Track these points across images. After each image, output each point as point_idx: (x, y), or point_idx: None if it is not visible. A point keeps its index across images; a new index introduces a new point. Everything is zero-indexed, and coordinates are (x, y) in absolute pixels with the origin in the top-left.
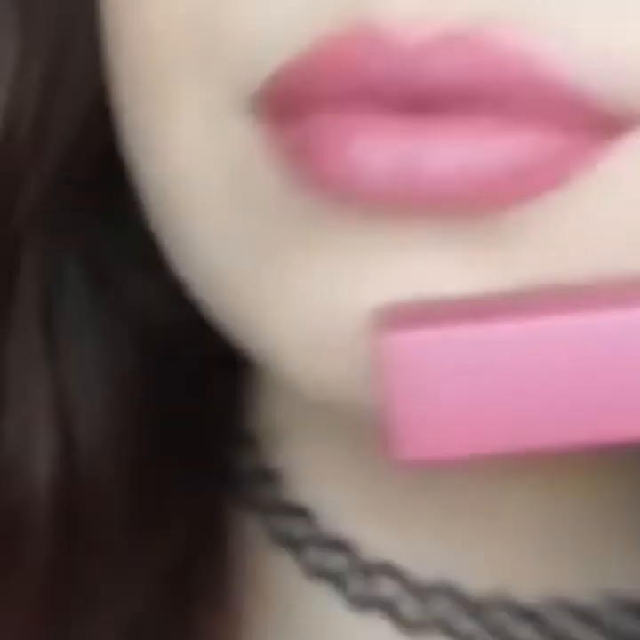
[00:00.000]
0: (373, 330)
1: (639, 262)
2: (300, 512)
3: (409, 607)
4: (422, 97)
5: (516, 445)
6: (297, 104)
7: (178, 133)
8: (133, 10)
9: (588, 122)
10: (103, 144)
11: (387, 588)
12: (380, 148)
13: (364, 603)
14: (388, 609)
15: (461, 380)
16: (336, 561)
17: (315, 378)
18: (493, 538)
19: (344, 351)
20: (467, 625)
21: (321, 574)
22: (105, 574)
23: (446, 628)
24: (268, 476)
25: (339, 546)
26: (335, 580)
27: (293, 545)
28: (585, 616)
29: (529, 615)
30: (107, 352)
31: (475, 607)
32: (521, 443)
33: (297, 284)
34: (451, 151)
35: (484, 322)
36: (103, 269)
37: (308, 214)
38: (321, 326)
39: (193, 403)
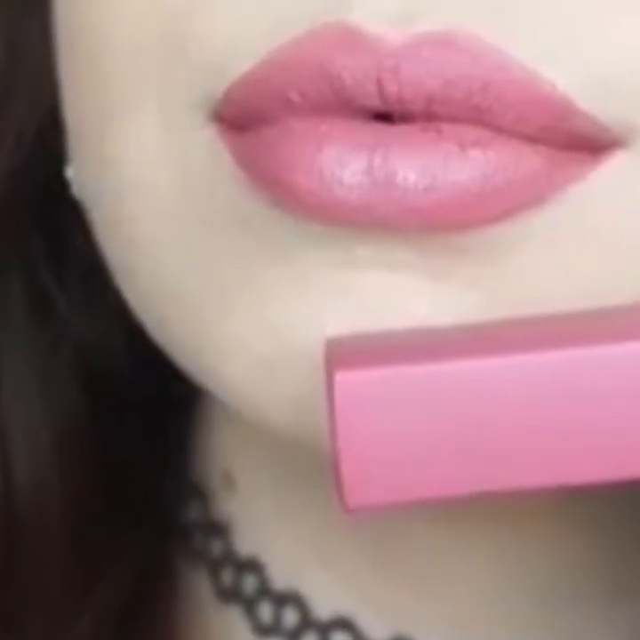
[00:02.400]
0: (324, 362)
1: (614, 287)
2: (251, 565)
3: None
4: (396, 103)
5: (472, 488)
6: (261, 112)
7: (134, 144)
8: (87, 17)
9: (572, 138)
10: (48, 170)
11: None
12: (349, 161)
13: None
14: None
15: (413, 420)
16: (288, 616)
17: (258, 402)
18: (446, 590)
19: (292, 379)
20: None
21: (271, 630)
22: (42, 618)
23: None
24: (217, 528)
25: (291, 600)
26: (287, 635)
27: (244, 600)
28: None
29: None
30: (49, 391)
31: None
32: (477, 485)
33: (252, 302)
34: (421, 164)
35: (439, 358)
36: (47, 306)
37: (269, 228)
38: (271, 350)
39: (138, 446)
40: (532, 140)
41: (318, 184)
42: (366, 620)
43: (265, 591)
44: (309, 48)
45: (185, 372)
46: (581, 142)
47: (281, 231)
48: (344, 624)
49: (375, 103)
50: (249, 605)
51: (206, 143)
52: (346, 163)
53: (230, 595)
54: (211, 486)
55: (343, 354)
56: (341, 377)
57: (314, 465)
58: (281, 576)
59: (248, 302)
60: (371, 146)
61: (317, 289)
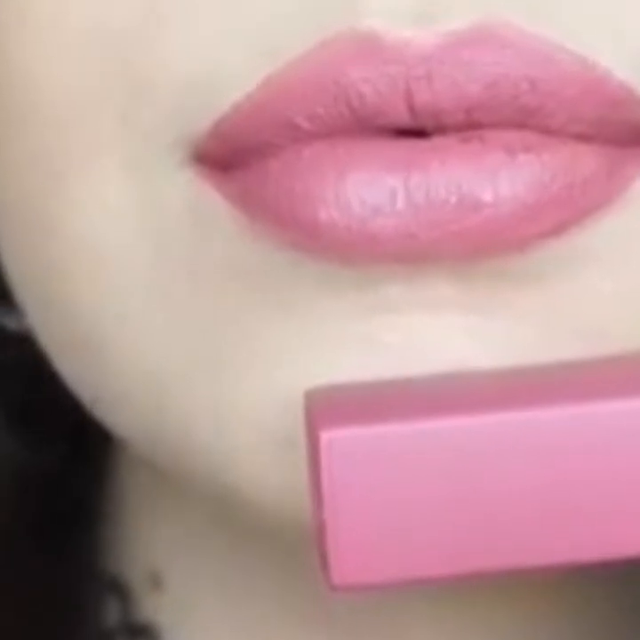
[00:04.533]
0: (304, 418)
1: None
2: None
3: None
4: (430, 116)
5: (477, 565)
6: (259, 145)
7: (88, 200)
8: (9, 62)
9: (630, 130)
10: None
11: None
12: (380, 184)
13: None
14: None
15: (409, 484)
16: None
17: (267, 482)
18: None
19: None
20: None
21: None
22: None
23: None
24: (142, 633)
25: None
26: None
27: None
28: None
29: None
30: None
31: None
32: (482, 562)
33: (260, 367)
34: (467, 179)
35: (438, 412)
36: None
37: (277, 277)
38: (286, 423)
39: (51, 541)
40: (585, 137)
41: (346, 217)
42: None
43: None
44: (318, 63)
45: (155, 456)
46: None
47: (291, 279)
48: None
49: (402, 120)
50: None
51: (185, 189)
52: (377, 187)
53: None
54: (133, 583)
55: (328, 408)
56: (328, 435)
57: (284, 550)
58: None
59: (255, 368)
60: (405, 164)
61: (337, 344)
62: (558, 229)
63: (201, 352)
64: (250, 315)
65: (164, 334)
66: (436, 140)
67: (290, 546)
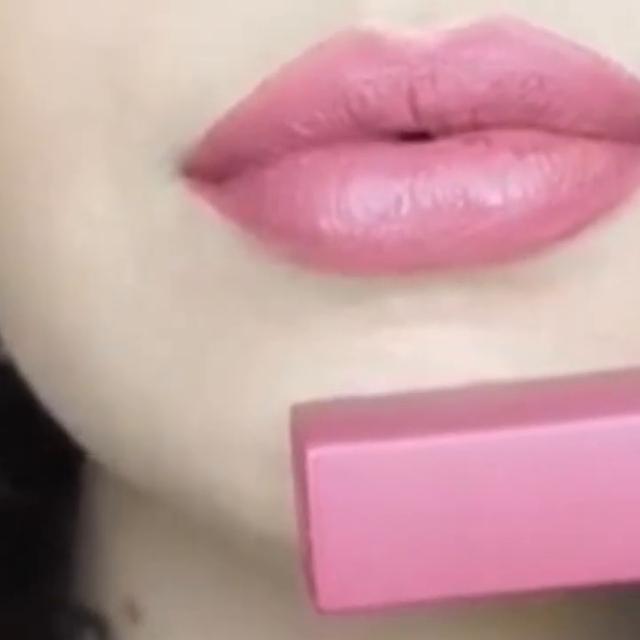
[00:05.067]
0: (290, 435)
1: None
2: None
3: None
4: (433, 118)
5: (469, 589)
6: (254, 153)
7: (72, 215)
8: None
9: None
10: None
11: None
12: (384, 191)
13: None
14: None
15: (400, 503)
16: None
17: (268, 507)
18: None
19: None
20: None
21: None
22: None
23: None
24: None
25: None
26: None
27: None
28: None
29: None
30: None
31: None
32: (475, 586)
33: (260, 386)
34: (473, 183)
35: (426, 431)
36: None
37: (276, 290)
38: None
39: (24, 575)
40: (594, 135)
41: (349, 225)
42: None
43: None
44: (315, 66)
45: (144, 481)
46: None
47: (291, 292)
48: None
49: (405, 122)
50: None
51: (176, 203)
52: (381, 194)
53: None
54: (110, 615)
55: (315, 424)
56: (316, 453)
57: (274, 578)
58: None
59: (255, 386)
60: (409, 169)
61: (342, 359)
62: (571, 231)
63: (197, 372)
64: (248, 331)
65: (155, 355)
66: (441, 143)
67: (281, 574)
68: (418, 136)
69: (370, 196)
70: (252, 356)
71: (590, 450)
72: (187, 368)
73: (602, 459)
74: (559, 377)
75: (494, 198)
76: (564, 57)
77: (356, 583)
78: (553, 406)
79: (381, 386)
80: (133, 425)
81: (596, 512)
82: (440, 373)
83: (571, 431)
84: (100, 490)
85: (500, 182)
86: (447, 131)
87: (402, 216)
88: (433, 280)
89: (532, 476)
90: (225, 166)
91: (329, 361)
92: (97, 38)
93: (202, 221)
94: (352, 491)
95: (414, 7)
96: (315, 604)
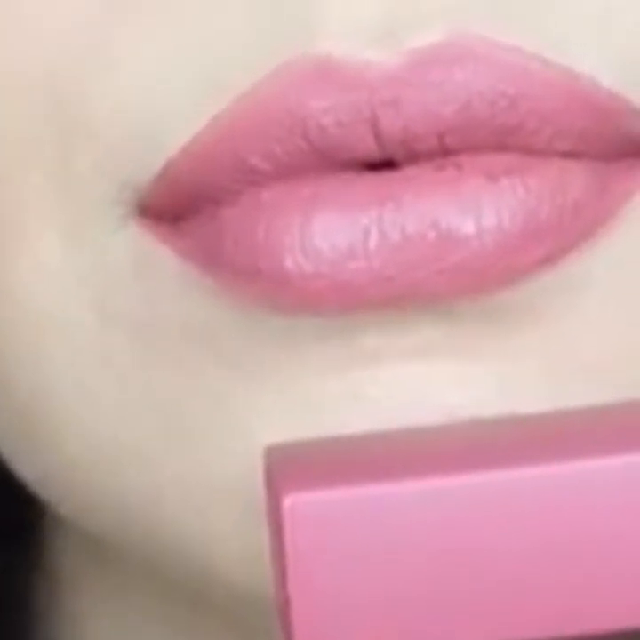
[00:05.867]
0: (264, 480)
1: None
2: None
3: None
4: (398, 144)
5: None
6: (211, 190)
7: (24, 264)
8: None
9: (620, 143)
10: None
11: None
12: (350, 225)
13: None
14: None
15: (374, 553)
16: None
17: (244, 556)
18: None
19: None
20: None
21: None
22: None
23: None
24: None
25: None
26: None
27: None
28: None
29: None
30: None
31: None
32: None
33: (226, 436)
34: (445, 212)
35: (410, 473)
36: None
37: (239, 336)
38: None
39: None
40: (572, 154)
41: (315, 263)
42: None
43: None
44: (268, 95)
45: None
46: (632, 147)
47: (255, 337)
48: None
49: (369, 151)
50: None
51: (130, 246)
52: (347, 228)
53: None
54: None
55: (290, 468)
56: (291, 500)
57: (243, 631)
58: None
59: (226, 434)
60: (375, 200)
61: (316, 402)
62: (550, 258)
63: (164, 420)
64: (214, 379)
65: (116, 407)
66: (408, 171)
67: (253, 626)
68: (384, 164)
69: (335, 230)
70: (222, 403)
71: (566, 491)
72: (153, 417)
73: (581, 500)
74: (541, 414)
75: (467, 227)
76: (535, 73)
77: (335, 633)
78: (539, 446)
79: (357, 427)
80: (99, 476)
81: (575, 557)
82: (418, 411)
83: (555, 473)
84: (60, 543)
85: (472, 210)
86: (414, 158)
87: (370, 250)
88: (407, 315)
89: (517, 519)
90: (181, 205)
91: (302, 404)
92: (43, 72)
93: (158, 266)
94: (330, 537)
95: (372, 26)
96: None
